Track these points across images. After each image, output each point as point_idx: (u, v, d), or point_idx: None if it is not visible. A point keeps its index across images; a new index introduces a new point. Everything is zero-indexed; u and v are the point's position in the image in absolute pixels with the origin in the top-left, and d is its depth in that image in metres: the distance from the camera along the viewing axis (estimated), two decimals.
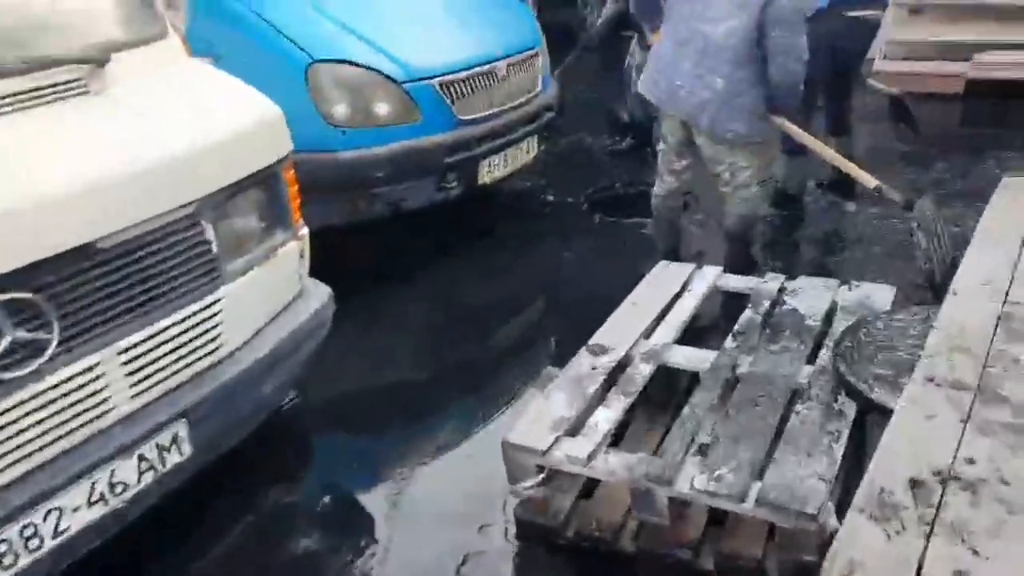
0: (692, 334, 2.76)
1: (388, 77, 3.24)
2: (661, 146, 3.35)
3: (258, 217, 2.18)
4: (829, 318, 2.64)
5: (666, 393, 2.60)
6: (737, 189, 3.20)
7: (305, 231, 2.36)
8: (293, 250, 2.28)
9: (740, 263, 3.30)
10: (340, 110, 3.19)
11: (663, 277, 2.97)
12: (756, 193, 3.24)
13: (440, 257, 3.81)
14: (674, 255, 3.58)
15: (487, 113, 3.59)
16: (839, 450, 2.01)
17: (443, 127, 3.41)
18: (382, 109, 3.26)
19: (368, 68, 3.21)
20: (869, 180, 3.26)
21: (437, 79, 3.36)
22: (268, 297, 2.20)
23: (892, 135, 5.26)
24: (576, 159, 5.32)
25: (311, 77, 3.13)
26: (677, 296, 2.84)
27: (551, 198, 4.68)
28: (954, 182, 4.58)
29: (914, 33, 6.46)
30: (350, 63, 3.19)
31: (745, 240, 3.37)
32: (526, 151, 3.93)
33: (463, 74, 3.45)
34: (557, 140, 5.59)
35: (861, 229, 4.05)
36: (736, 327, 2.61)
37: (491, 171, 3.70)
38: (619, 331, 2.61)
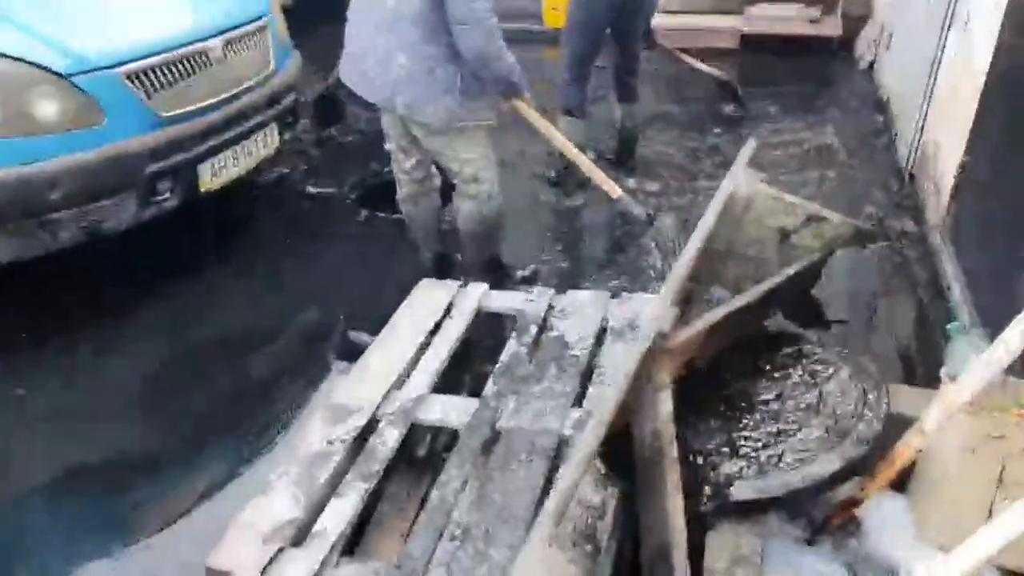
0: (460, 368, 2.40)
1: (48, 69, 2.51)
2: (387, 145, 2.91)
3: None
4: (599, 342, 2.35)
5: (428, 450, 2.21)
6: (467, 184, 2.82)
7: None
8: None
9: (479, 269, 2.97)
10: None
11: (422, 301, 2.55)
12: (491, 190, 2.85)
13: (165, 276, 3.16)
14: (443, 260, 3.19)
15: (202, 105, 2.94)
16: (605, 533, 1.71)
17: (138, 128, 2.73)
18: (46, 112, 2.52)
19: (16, 59, 2.45)
20: (613, 189, 2.95)
21: (122, 68, 2.66)
22: None
23: (674, 101, 5.13)
24: (348, 141, 4.74)
25: None
26: (439, 325, 2.45)
27: (313, 189, 4.10)
28: (729, 150, 4.51)
29: None
30: None
31: (485, 244, 2.99)
32: (263, 144, 3.33)
33: (159, 59, 2.77)
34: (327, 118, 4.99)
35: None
36: (499, 364, 2.25)
37: (218, 174, 3.07)
38: (365, 383, 2.17)
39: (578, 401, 2.09)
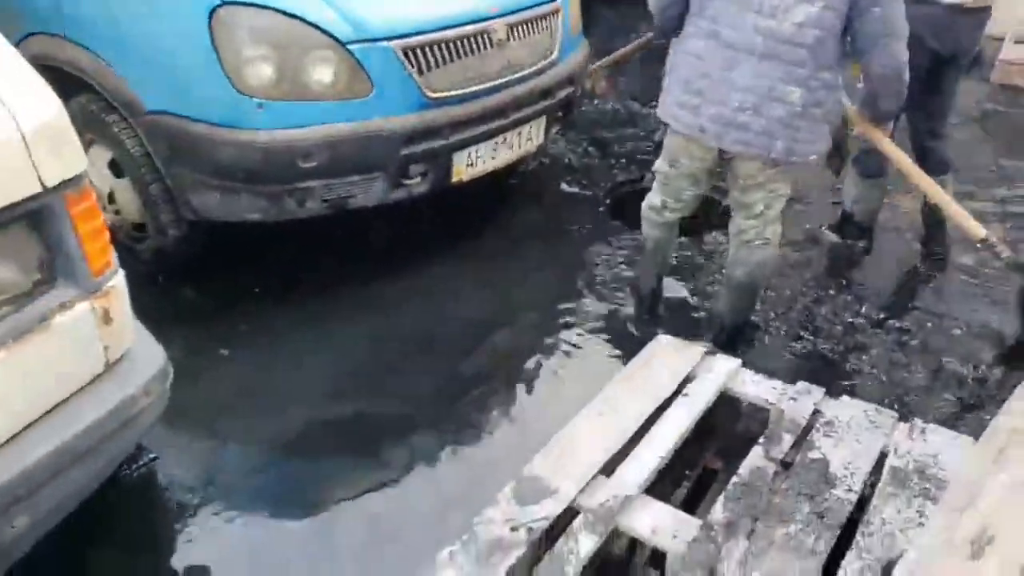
0: (684, 455, 2.00)
1: (328, 34, 2.39)
2: (664, 168, 2.50)
3: (13, 271, 1.46)
4: (872, 482, 1.82)
5: (627, 554, 1.85)
6: (767, 225, 2.44)
7: (116, 281, 1.62)
8: (84, 315, 1.55)
9: (742, 323, 2.67)
10: (257, 74, 2.35)
11: (654, 366, 2.16)
12: (779, 232, 2.52)
13: (388, 263, 3.03)
14: (659, 294, 2.86)
15: (472, 89, 2.72)
16: None
17: (403, 107, 2.56)
18: (318, 77, 2.42)
19: (300, 19, 2.35)
20: (976, 229, 2.54)
21: (399, 41, 2.49)
22: (30, 388, 1.49)
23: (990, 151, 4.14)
24: (615, 133, 4.39)
25: (217, 25, 2.29)
26: (670, 399, 2.05)
27: (567, 188, 3.82)
28: None
29: None
30: (275, 10, 2.33)
31: (757, 297, 2.67)
32: (527, 138, 3.07)
33: (440, 35, 2.57)
34: (600, 106, 4.69)
35: (941, 283, 3.12)
36: (735, 479, 1.81)
37: (473, 165, 2.86)
38: (568, 458, 1.84)
39: (829, 567, 1.60)
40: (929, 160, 3.13)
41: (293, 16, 2.35)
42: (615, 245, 3.31)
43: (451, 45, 2.62)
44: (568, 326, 2.83)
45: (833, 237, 3.40)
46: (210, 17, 2.30)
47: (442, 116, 2.65)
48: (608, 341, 2.78)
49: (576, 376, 2.61)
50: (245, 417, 2.38)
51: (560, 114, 3.26)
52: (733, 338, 2.65)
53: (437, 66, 2.61)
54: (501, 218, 3.49)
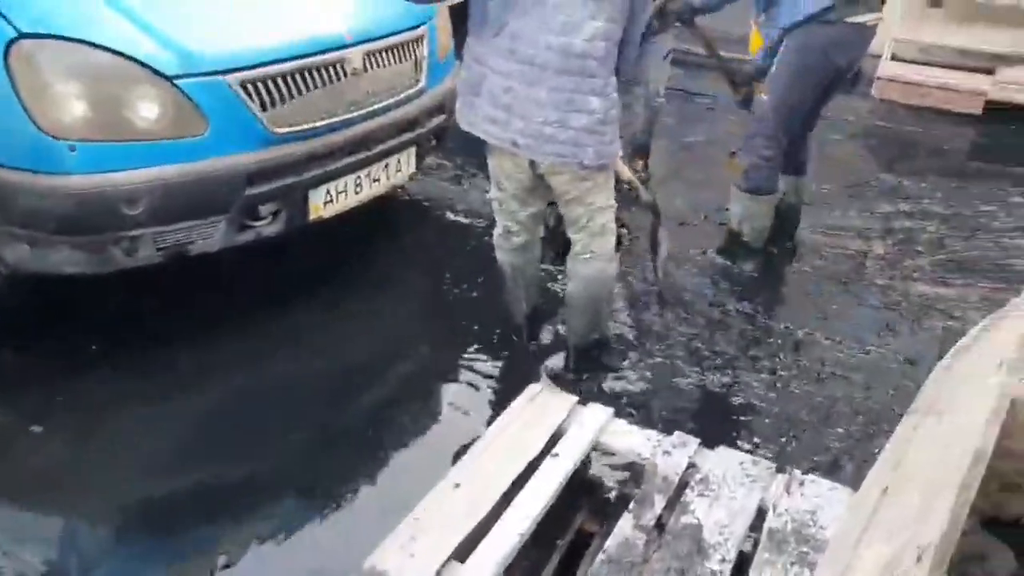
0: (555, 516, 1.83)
1: (149, 68, 2.14)
2: (495, 193, 2.47)
3: None
4: (754, 540, 1.70)
5: None
6: (592, 238, 2.41)
7: None
8: None
9: (588, 345, 2.60)
10: (67, 114, 2.08)
11: (521, 422, 1.99)
12: (610, 247, 2.46)
13: (244, 312, 2.74)
14: (537, 320, 2.78)
15: (327, 123, 2.51)
16: None
17: (244, 145, 2.32)
18: (141, 114, 2.16)
19: (115, 52, 2.10)
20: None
21: (236, 74, 2.26)
22: None
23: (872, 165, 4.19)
24: None
25: (14, 61, 2.01)
26: (538, 459, 1.88)
27: (450, 216, 3.62)
28: (953, 245, 3.60)
29: (930, 32, 5.38)
30: (84, 42, 2.07)
31: (599, 315, 2.57)
32: (396, 169, 2.87)
33: (284, 67, 2.36)
34: None
35: (828, 309, 3.07)
36: (601, 555, 1.65)
37: (333, 201, 2.64)
38: (418, 543, 1.64)
39: None
40: (797, 160, 3.30)
41: (106, 49, 2.10)
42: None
43: (298, 77, 2.40)
44: (443, 374, 2.63)
45: (720, 260, 3.34)
46: (6, 52, 2.02)
47: (291, 153, 2.43)
48: (488, 386, 2.60)
49: (451, 427, 2.42)
50: (67, 503, 2.08)
51: (434, 143, 3.08)
52: (579, 360, 2.59)
53: (283, 100, 2.38)
54: (375, 253, 3.26)
